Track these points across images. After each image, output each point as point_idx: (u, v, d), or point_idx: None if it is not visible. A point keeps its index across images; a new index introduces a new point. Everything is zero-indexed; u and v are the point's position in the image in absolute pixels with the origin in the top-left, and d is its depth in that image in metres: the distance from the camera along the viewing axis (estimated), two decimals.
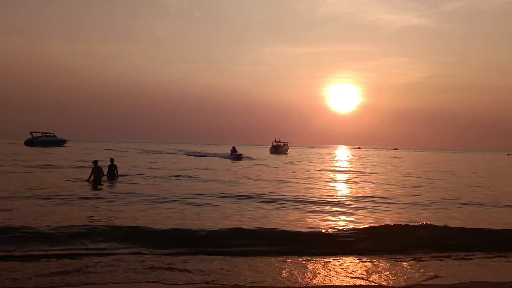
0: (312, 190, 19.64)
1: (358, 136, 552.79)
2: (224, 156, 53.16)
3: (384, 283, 7.24)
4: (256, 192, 17.65)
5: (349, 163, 51.81)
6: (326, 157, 74.96)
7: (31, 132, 74.80)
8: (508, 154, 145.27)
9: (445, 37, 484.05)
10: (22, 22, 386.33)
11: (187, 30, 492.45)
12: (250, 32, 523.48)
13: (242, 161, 45.95)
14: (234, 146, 55.34)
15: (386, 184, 23.92)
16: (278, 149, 78.52)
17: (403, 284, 7.14)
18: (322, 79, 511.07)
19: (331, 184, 23.76)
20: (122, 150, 66.89)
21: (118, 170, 20.45)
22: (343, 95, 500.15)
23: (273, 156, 66.69)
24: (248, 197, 16.32)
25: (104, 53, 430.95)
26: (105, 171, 19.66)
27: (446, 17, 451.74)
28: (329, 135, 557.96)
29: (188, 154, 60.81)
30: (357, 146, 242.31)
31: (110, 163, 20.24)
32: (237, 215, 12.56)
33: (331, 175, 31.07)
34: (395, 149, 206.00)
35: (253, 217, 12.23)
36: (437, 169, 42.61)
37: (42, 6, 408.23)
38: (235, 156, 50.29)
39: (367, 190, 20.51)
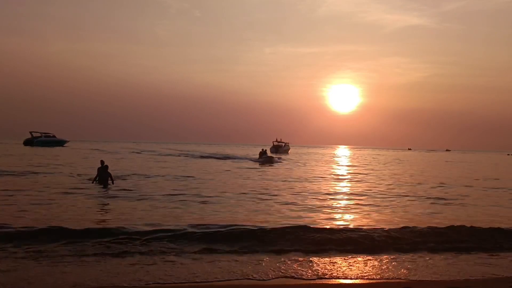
0: None
1: (358, 136, 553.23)
2: (251, 159, 47.36)
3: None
4: None
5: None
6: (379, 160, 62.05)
7: (30, 132, 74.69)
8: (508, 154, 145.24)
9: (445, 37, 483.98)
10: (22, 22, 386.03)
11: (188, 30, 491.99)
12: (250, 32, 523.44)
13: (274, 165, 39.69)
14: (264, 149, 48.73)
15: None
16: (279, 149, 78.64)
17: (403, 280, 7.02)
18: (322, 79, 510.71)
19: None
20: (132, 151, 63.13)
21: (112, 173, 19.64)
22: (343, 95, 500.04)
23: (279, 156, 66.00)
24: None
25: (104, 53, 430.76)
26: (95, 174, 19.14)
27: (446, 17, 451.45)
28: (329, 135, 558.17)
29: (200, 156, 54.08)
30: (407, 148, 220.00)
31: (100, 165, 19.31)
32: None
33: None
34: (447, 150, 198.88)
35: None
36: None
37: (43, 6, 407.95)
38: (266, 159, 44.33)
39: None
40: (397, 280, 6.96)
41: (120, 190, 17.24)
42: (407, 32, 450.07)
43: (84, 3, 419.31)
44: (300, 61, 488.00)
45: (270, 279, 6.88)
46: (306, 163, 47.76)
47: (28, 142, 71.99)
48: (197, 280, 6.74)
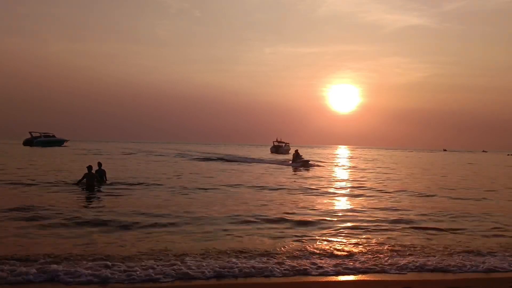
0: None
1: (358, 136, 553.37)
2: (283, 163, 42.73)
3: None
4: None
5: None
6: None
7: (30, 132, 74.76)
8: (508, 154, 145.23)
9: (445, 37, 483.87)
10: (22, 22, 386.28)
11: (188, 30, 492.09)
12: (250, 32, 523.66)
13: (311, 170, 35.68)
14: (297, 150, 43.47)
15: None
16: (279, 149, 79.13)
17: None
18: (322, 79, 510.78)
19: None
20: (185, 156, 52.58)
21: (106, 175, 19.45)
22: (343, 95, 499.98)
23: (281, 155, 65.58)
24: None
25: (104, 53, 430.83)
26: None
27: (446, 17, 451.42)
28: (329, 135, 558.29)
29: (216, 158, 49.08)
30: (442, 149, 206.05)
31: (97, 167, 19.18)
32: None
33: None
34: (483, 151, 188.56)
35: None
36: None
37: (43, 6, 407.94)
38: (302, 163, 40.10)
39: None
40: (397, 280, 6.93)
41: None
42: (407, 32, 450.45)
43: (84, 3, 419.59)
44: (300, 61, 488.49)
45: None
46: (342, 167, 42.89)
47: (27, 143, 72.04)
48: None
